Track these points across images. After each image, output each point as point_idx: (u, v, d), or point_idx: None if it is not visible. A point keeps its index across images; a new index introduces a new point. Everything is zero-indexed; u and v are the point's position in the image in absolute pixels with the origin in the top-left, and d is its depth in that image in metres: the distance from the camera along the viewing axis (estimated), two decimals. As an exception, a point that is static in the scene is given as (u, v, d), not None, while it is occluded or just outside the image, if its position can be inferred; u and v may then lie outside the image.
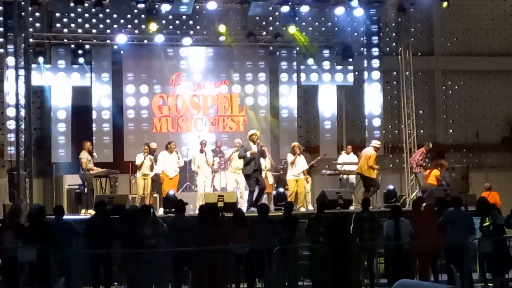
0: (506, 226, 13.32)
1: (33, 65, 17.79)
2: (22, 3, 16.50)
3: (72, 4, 19.20)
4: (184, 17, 20.91)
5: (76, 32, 20.06)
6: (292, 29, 19.76)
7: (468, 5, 23.26)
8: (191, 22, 21.36)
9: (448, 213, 13.09)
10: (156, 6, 18.79)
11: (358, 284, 10.74)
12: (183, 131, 20.24)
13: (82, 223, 12.93)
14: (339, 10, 19.85)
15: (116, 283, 12.72)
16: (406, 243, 12.74)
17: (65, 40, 19.69)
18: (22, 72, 16.20)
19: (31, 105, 16.51)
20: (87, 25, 20.71)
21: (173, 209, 14.37)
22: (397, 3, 20.44)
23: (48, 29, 19.99)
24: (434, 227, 12.94)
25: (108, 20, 21.03)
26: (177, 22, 21.21)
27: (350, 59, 21.05)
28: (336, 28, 21.89)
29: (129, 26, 20.96)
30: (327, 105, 21.13)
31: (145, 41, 20.34)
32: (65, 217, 12.81)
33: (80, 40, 19.81)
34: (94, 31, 20.44)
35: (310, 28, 22.00)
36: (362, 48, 21.60)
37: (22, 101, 16.25)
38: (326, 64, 21.14)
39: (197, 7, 19.96)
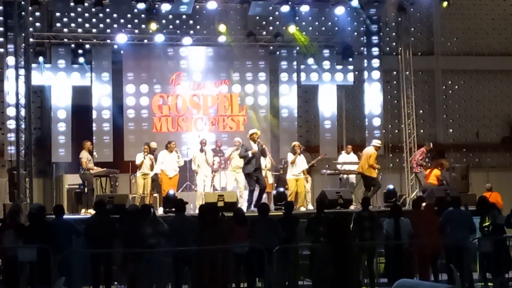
0: (506, 225, 13.33)
1: (33, 65, 17.80)
2: (22, 2, 16.51)
3: (72, 4, 19.17)
4: (184, 16, 20.92)
5: (76, 32, 20.05)
6: (292, 28, 19.75)
7: (468, 5, 23.27)
8: (191, 21, 21.37)
9: (447, 213, 13.11)
10: (156, 5, 18.78)
11: (358, 283, 10.76)
12: (183, 130, 20.24)
13: (82, 222, 12.93)
14: (339, 10, 19.85)
15: (116, 283, 12.71)
16: (406, 243, 12.75)
17: (65, 40, 19.69)
18: (22, 71, 16.22)
19: (31, 105, 16.54)
20: (87, 25, 20.73)
21: (173, 209, 14.38)
22: (397, 2, 20.42)
23: (48, 28, 19.98)
24: (434, 227, 12.95)
25: (108, 20, 21.05)
26: (177, 21, 21.23)
27: (350, 59, 21.04)
28: (336, 28, 21.89)
29: (129, 25, 20.98)
30: (327, 104, 21.13)
31: (145, 41, 20.34)
32: (65, 216, 12.81)
33: (80, 40, 19.81)
34: (94, 30, 20.44)
35: (310, 28, 22.00)
36: (362, 48, 21.61)
37: (22, 101, 16.27)
38: (326, 64, 21.13)
39: (197, 6, 19.95)
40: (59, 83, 19.43)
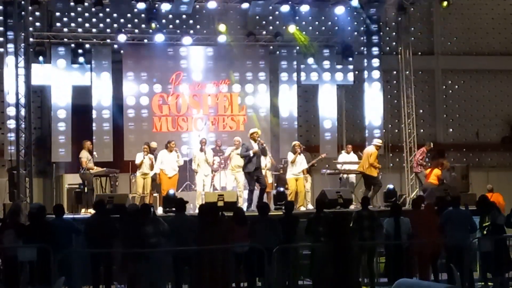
0: (506, 225, 13.33)
1: (33, 64, 17.78)
2: (22, 2, 16.52)
3: (72, 4, 19.10)
4: (184, 16, 20.94)
5: (76, 32, 20.06)
6: (292, 28, 19.75)
7: (468, 5, 23.27)
8: (191, 21, 21.38)
9: (447, 213, 13.11)
10: (156, 5, 18.77)
11: (358, 283, 10.75)
12: (183, 130, 20.24)
13: (82, 222, 12.93)
14: (339, 10, 19.83)
15: (116, 283, 12.71)
16: (406, 243, 12.75)
17: (65, 40, 19.67)
18: (22, 71, 16.21)
19: (31, 104, 16.54)
20: (87, 24, 20.74)
21: (173, 208, 14.37)
22: (397, 2, 20.39)
23: (48, 28, 19.97)
24: (434, 226, 12.95)
25: (108, 20, 21.07)
26: (177, 21, 21.24)
27: (350, 59, 21.03)
28: (336, 28, 21.90)
29: (129, 25, 20.98)
30: (327, 104, 21.13)
31: (145, 40, 20.32)
32: (65, 216, 12.81)
33: (80, 40, 19.80)
34: (94, 30, 20.46)
35: (310, 28, 22.01)
36: (362, 48, 21.61)
37: (22, 100, 16.27)
38: (326, 63, 21.13)
39: (197, 6, 19.95)
40: (59, 82, 19.42)
